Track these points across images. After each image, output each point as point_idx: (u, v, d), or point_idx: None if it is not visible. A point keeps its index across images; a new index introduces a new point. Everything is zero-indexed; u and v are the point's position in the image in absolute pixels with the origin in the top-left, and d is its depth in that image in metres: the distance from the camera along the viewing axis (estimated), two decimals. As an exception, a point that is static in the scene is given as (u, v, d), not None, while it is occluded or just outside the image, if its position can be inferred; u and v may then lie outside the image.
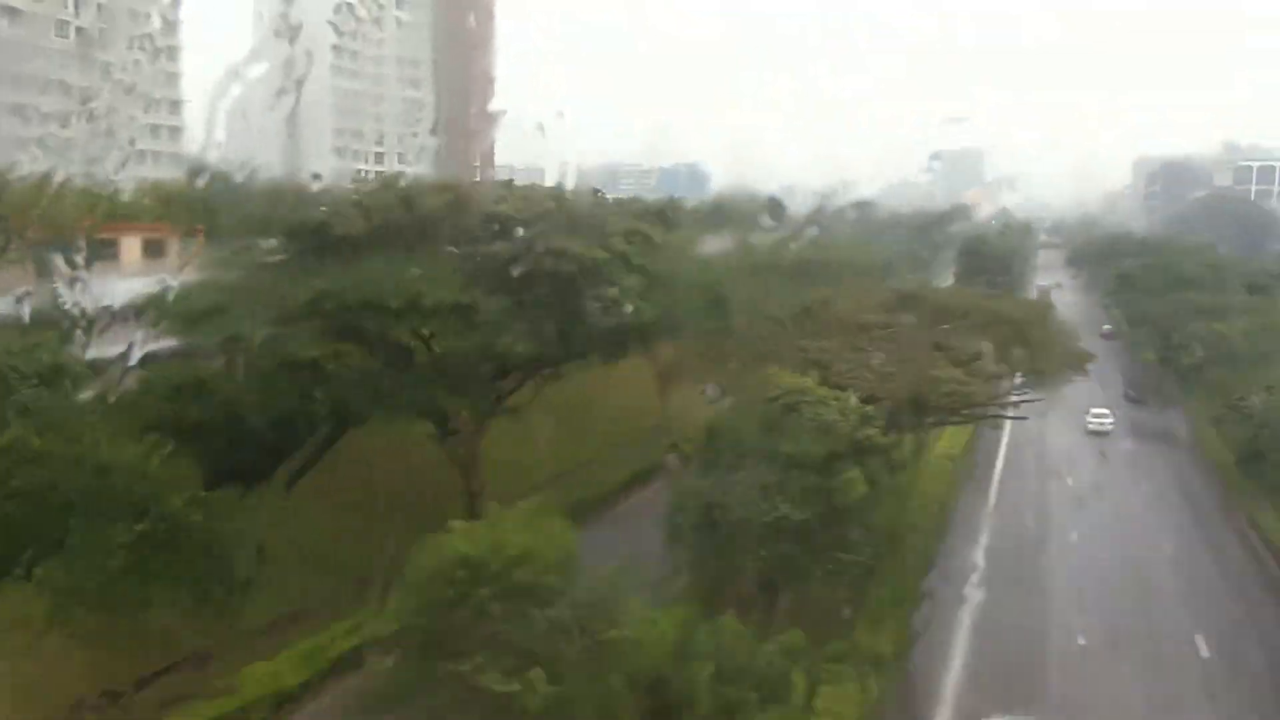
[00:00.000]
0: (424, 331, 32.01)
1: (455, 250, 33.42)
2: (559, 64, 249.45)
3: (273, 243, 34.00)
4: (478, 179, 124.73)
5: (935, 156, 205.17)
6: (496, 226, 33.49)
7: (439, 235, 32.87)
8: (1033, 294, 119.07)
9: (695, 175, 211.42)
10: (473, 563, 15.00)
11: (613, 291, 31.94)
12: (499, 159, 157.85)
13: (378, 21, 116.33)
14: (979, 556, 41.16)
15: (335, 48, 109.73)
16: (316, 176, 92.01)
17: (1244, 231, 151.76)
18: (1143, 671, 31.60)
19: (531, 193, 36.09)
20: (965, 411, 38.67)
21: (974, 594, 37.46)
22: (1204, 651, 32.88)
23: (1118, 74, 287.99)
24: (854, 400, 31.15)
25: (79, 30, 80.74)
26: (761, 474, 29.20)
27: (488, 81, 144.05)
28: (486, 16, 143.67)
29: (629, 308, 32.52)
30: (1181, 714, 29.47)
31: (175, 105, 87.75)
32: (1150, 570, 40.34)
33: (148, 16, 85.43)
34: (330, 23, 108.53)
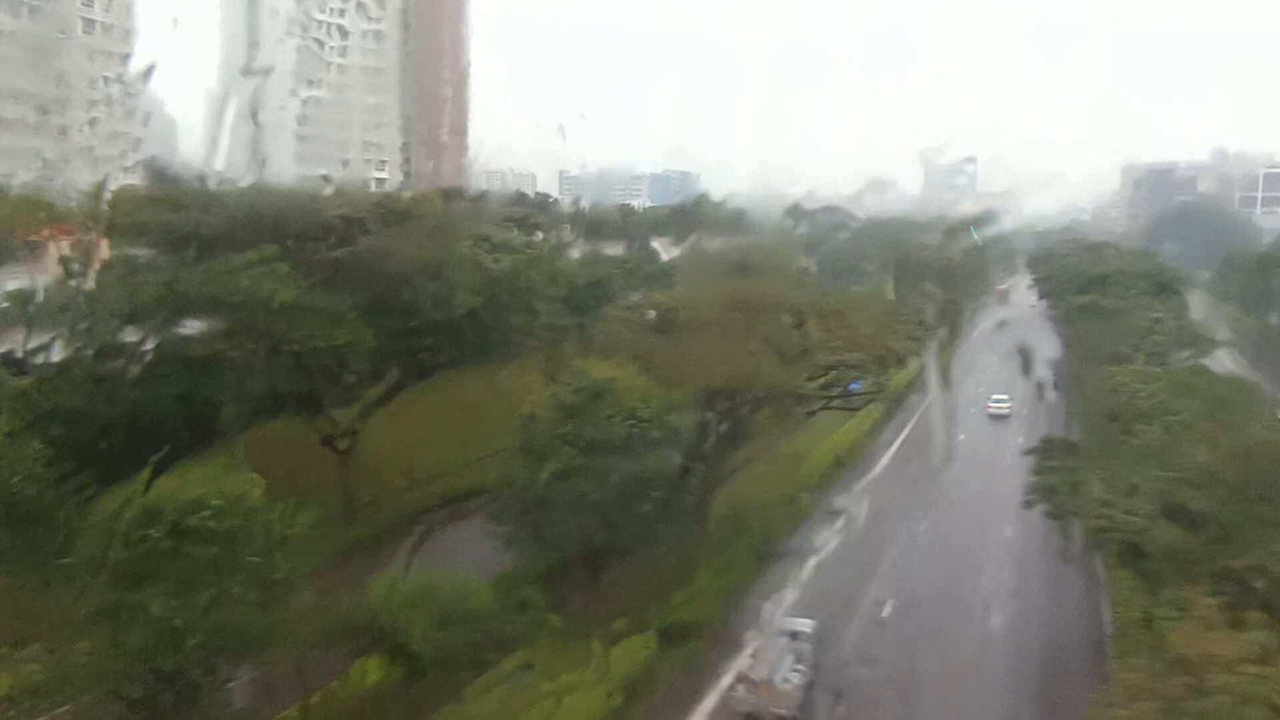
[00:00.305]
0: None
1: (308, 253, 36.26)
2: (552, 68, 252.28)
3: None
4: (449, 185, 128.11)
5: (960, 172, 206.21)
6: (346, 230, 36.38)
7: (290, 238, 35.72)
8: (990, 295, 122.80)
9: (686, 181, 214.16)
10: (149, 508, 17.90)
11: (442, 289, 34.69)
12: (493, 165, 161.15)
13: (344, 34, 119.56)
14: (827, 541, 44.31)
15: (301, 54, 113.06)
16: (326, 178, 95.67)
17: (1219, 237, 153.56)
18: (930, 638, 34.61)
19: (383, 199, 39.01)
20: (794, 401, 41.34)
21: (806, 574, 40.79)
22: (994, 623, 35.74)
23: (1112, 78, 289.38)
24: (659, 389, 33.99)
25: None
26: (566, 457, 32.28)
27: (462, 91, 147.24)
28: (460, 27, 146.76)
29: (465, 306, 35.31)
30: (952, 677, 32.27)
31: (131, 114, 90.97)
32: (980, 555, 43.13)
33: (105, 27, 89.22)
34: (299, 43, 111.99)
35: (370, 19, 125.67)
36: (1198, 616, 19.81)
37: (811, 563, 41.77)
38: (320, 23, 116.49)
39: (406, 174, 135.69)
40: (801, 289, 44.51)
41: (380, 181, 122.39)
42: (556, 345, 41.40)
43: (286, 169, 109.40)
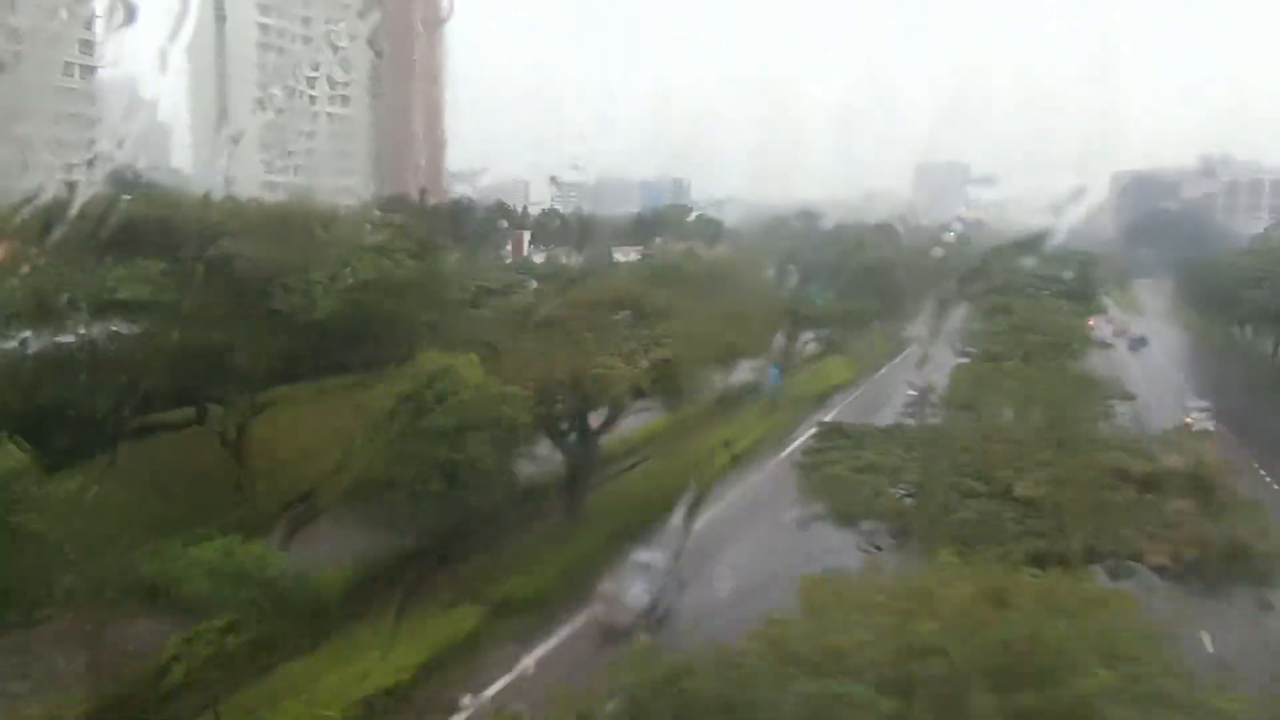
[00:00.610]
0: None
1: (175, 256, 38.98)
2: (543, 73, 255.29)
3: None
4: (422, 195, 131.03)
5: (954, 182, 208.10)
6: (209, 235, 39.06)
7: (159, 242, 38.52)
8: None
9: (678, 188, 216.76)
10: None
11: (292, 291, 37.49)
12: (484, 170, 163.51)
13: (308, 42, 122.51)
14: (694, 528, 46.90)
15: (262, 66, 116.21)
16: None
17: (1195, 242, 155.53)
18: (747, 610, 37.23)
19: (241, 205, 41.78)
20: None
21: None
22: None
23: (1105, 82, 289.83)
24: (496, 382, 36.76)
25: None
26: (395, 443, 35.14)
27: (438, 98, 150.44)
28: (435, 41, 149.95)
29: (319, 308, 38.09)
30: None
31: (90, 122, 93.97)
32: (837, 539, 45.60)
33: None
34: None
35: (338, 27, 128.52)
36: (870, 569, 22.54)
37: (673, 543, 44.19)
38: (283, 31, 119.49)
39: (378, 182, 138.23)
40: (668, 293, 47.08)
41: (348, 191, 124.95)
42: (428, 344, 43.76)
43: (255, 177, 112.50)
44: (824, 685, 12.59)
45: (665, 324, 42.21)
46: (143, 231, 39.47)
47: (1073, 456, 26.29)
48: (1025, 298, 75.10)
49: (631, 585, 36.05)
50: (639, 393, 42.73)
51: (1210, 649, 33.33)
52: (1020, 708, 12.03)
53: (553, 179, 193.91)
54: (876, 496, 27.25)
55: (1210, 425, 66.45)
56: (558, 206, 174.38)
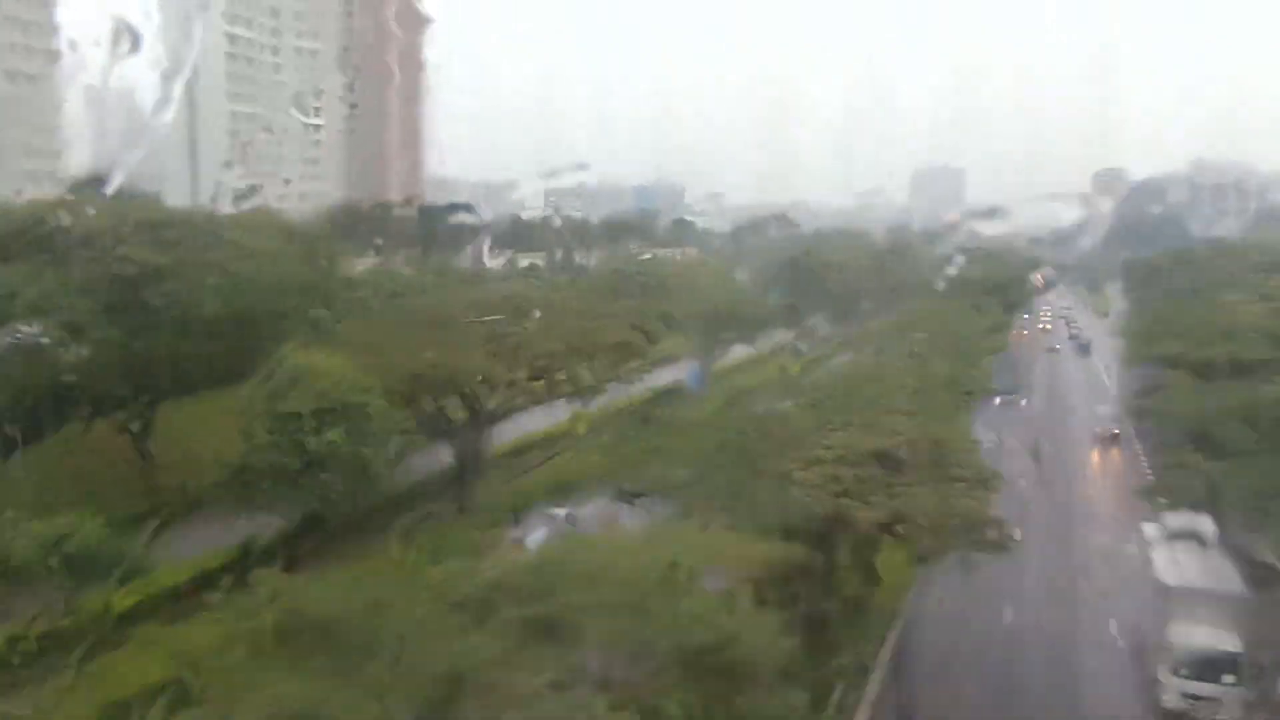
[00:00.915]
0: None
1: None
2: (541, 77, 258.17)
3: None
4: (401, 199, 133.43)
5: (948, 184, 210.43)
6: (93, 240, 41.61)
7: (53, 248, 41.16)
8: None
9: (671, 192, 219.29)
10: None
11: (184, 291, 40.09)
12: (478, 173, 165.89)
13: (277, 51, 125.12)
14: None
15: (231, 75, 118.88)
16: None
17: (1174, 245, 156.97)
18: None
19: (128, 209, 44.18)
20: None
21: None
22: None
23: (1104, 82, 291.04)
24: (352, 373, 39.34)
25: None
26: (260, 431, 37.78)
27: (415, 106, 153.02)
28: (415, 50, 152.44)
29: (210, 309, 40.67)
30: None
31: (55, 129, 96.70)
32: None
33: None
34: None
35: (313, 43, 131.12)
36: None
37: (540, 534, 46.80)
38: (251, 40, 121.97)
39: (350, 189, 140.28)
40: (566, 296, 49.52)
41: (321, 197, 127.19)
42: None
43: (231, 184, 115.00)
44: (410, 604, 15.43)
45: (537, 324, 44.58)
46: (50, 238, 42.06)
47: (829, 439, 28.66)
48: (945, 301, 77.14)
49: (534, 531, 40.13)
50: (517, 389, 45.13)
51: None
52: (527, 614, 15.01)
53: (548, 184, 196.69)
54: (656, 475, 29.78)
55: (1116, 429, 69.90)
56: (549, 211, 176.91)
